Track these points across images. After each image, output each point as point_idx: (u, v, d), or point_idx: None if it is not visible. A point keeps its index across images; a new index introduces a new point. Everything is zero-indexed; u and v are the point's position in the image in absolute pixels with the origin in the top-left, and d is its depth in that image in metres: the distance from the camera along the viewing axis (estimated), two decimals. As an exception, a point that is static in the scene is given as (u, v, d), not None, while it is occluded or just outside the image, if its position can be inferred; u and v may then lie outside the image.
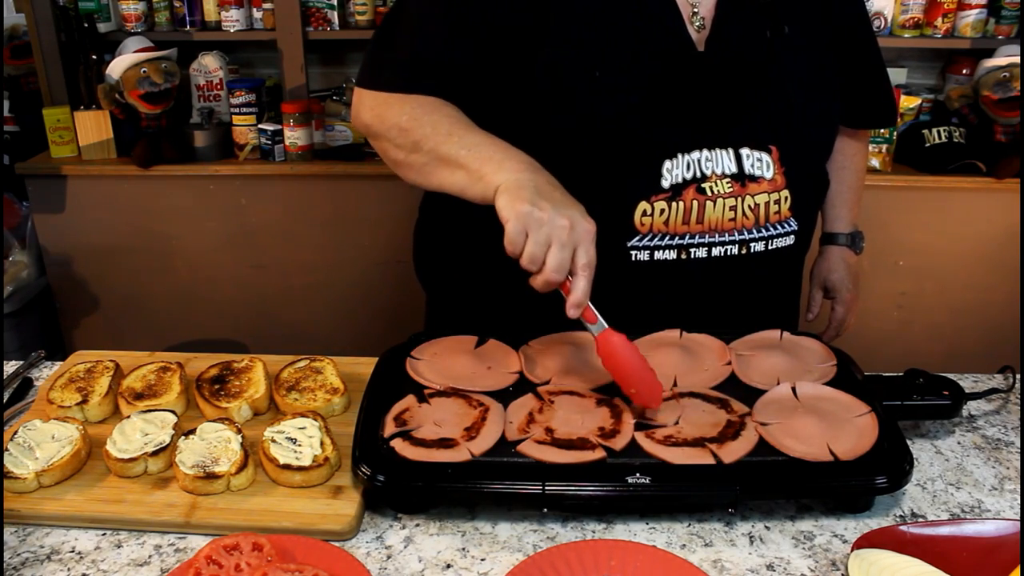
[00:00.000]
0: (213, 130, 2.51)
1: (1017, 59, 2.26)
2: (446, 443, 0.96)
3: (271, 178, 2.49)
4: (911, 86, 2.61)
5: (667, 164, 1.13)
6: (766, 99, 1.18)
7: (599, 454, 0.94)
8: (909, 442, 0.99)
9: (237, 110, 2.48)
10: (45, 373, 1.27)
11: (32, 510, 0.95)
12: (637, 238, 1.15)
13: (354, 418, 1.03)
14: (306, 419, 1.04)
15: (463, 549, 0.92)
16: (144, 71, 2.34)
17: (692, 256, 1.17)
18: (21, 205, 2.59)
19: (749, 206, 1.16)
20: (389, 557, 0.91)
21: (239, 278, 2.58)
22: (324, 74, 2.78)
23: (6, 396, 1.19)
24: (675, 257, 1.17)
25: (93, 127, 2.48)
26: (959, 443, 1.10)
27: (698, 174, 1.14)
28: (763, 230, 1.19)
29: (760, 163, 1.16)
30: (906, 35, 2.44)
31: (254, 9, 2.53)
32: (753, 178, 1.16)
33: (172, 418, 1.06)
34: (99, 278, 2.60)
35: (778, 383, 1.07)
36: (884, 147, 2.38)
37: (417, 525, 0.95)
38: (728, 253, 1.18)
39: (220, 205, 2.51)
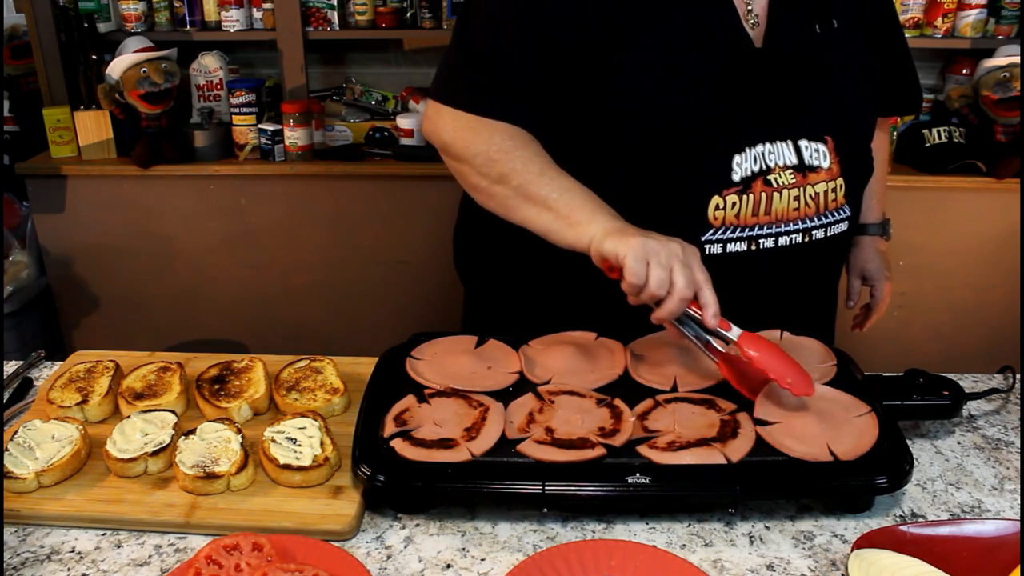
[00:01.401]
0: (213, 130, 2.51)
1: (1017, 59, 2.26)
2: (446, 443, 0.96)
3: (271, 178, 2.49)
4: (911, 86, 2.61)
5: (736, 158, 1.16)
6: (821, 91, 1.21)
7: (599, 451, 0.94)
8: (909, 442, 0.99)
9: (237, 110, 2.47)
10: (45, 373, 1.27)
11: (32, 510, 0.95)
12: (711, 232, 1.17)
13: (354, 418, 1.03)
14: (306, 419, 1.04)
15: (463, 549, 0.92)
16: (144, 71, 2.34)
17: (761, 247, 1.20)
18: (21, 205, 2.59)
19: (810, 195, 1.20)
20: (389, 557, 0.91)
21: (239, 278, 2.58)
22: (324, 74, 2.78)
23: (6, 396, 1.19)
24: (746, 249, 1.19)
25: (93, 127, 2.48)
26: (959, 443, 1.10)
27: (764, 166, 1.17)
28: (823, 218, 1.22)
29: (818, 153, 1.20)
30: (906, 35, 2.42)
31: (254, 9, 2.53)
32: (812, 168, 1.20)
33: (172, 418, 1.06)
34: (99, 278, 2.60)
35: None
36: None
37: (417, 525, 0.95)
38: (793, 242, 1.21)
39: (220, 205, 2.51)
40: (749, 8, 1.19)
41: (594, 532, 0.94)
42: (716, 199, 1.16)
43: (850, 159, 1.24)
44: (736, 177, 1.16)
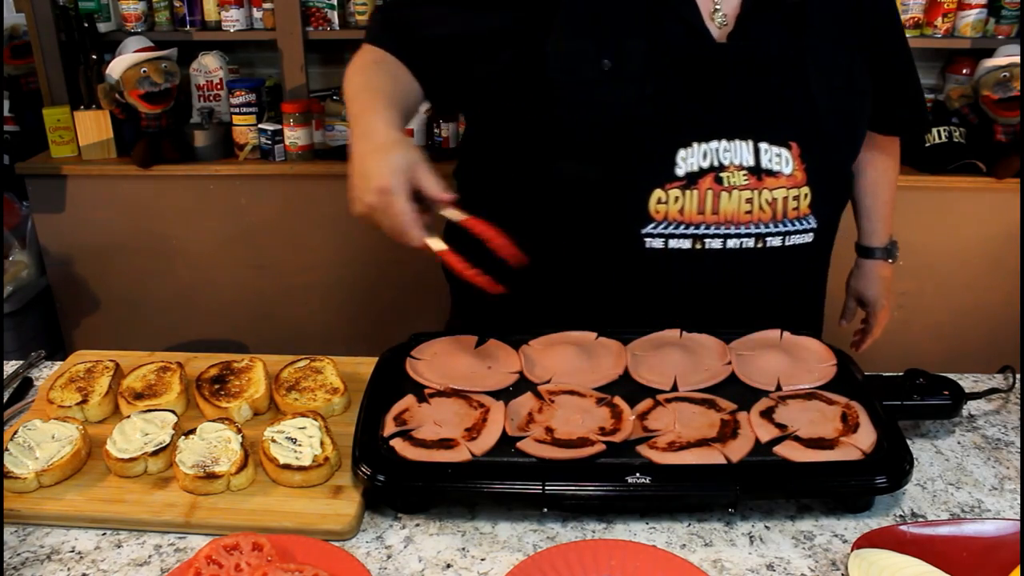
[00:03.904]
0: (213, 130, 2.51)
1: (1017, 59, 2.26)
2: (446, 443, 0.96)
3: (271, 178, 2.49)
4: (911, 86, 2.61)
5: (681, 152, 1.14)
6: (787, 94, 1.19)
7: (599, 447, 0.94)
8: (909, 442, 0.99)
9: (237, 110, 2.48)
10: (45, 373, 1.27)
11: (32, 510, 0.95)
12: (652, 225, 1.16)
13: (354, 418, 1.03)
14: (306, 419, 1.04)
15: (463, 549, 0.92)
16: (144, 71, 2.34)
17: (707, 247, 1.17)
18: (21, 205, 2.59)
19: (766, 200, 1.17)
20: (389, 557, 0.91)
21: (239, 278, 2.58)
22: (324, 74, 2.78)
23: (6, 396, 1.19)
24: (689, 246, 1.17)
25: (93, 127, 2.48)
26: (959, 443, 1.10)
27: (716, 163, 1.15)
28: (780, 225, 1.19)
29: (779, 158, 1.17)
30: (906, 35, 2.43)
31: (254, 9, 2.53)
32: (770, 172, 1.17)
33: (172, 418, 1.06)
34: (99, 278, 2.60)
35: (778, 383, 1.07)
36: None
37: (417, 525, 0.95)
38: (743, 246, 1.18)
39: (220, 205, 2.51)
40: (717, 7, 1.17)
41: (594, 532, 0.94)
42: (658, 192, 1.15)
43: (819, 169, 1.20)
44: (680, 172, 1.14)
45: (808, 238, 1.22)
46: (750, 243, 1.18)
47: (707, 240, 1.17)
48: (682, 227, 1.16)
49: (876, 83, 1.27)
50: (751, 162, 1.16)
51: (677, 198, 1.15)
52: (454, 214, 1.08)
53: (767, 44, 1.18)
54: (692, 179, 1.15)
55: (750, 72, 1.17)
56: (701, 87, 1.16)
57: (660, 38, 1.15)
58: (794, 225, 1.20)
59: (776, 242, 1.19)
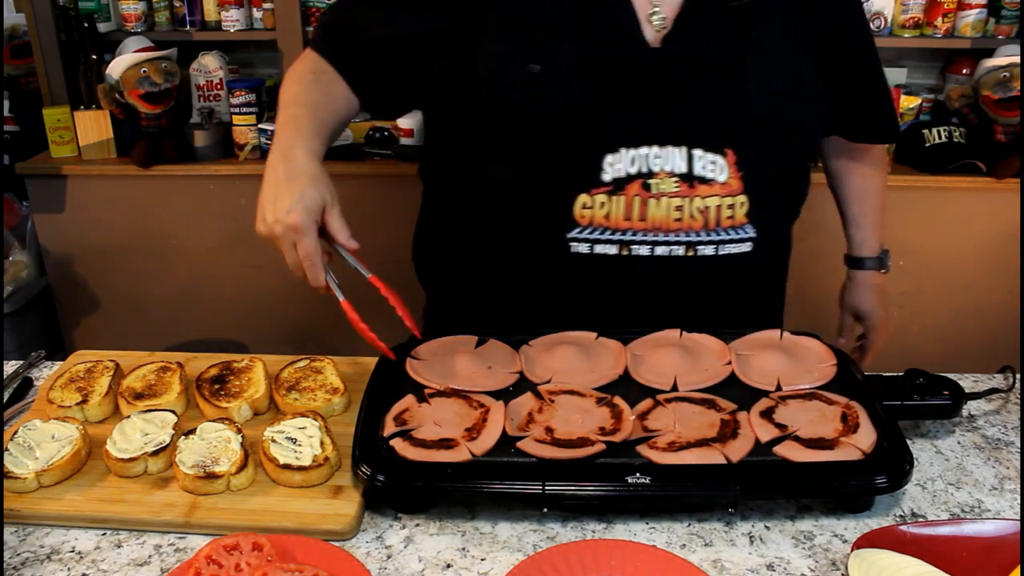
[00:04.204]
0: (213, 130, 2.51)
1: (1017, 59, 2.26)
2: (446, 443, 0.96)
3: (271, 178, 2.48)
4: (911, 86, 2.61)
5: (608, 158, 1.13)
6: (722, 102, 1.16)
7: (599, 447, 0.94)
8: (909, 442, 0.98)
9: (237, 110, 2.47)
10: (45, 373, 1.27)
11: (32, 510, 0.95)
12: (577, 230, 1.15)
13: (354, 418, 1.03)
14: (306, 419, 1.04)
15: (463, 549, 0.92)
16: (144, 71, 2.33)
17: (634, 253, 1.16)
18: (21, 205, 2.59)
19: (698, 208, 1.15)
20: (389, 557, 0.91)
21: (239, 278, 2.58)
22: (324, 74, 2.77)
23: (6, 396, 1.19)
24: (616, 252, 1.16)
25: (93, 127, 2.48)
26: (959, 443, 1.10)
27: (644, 169, 1.13)
28: (713, 234, 1.17)
29: (713, 165, 1.14)
30: (906, 35, 2.44)
31: (254, 9, 2.53)
32: (703, 180, 1.14)
33: (172, 418, 1.06)
34: (99, 278, 2.60)
35: (778, 383, 1.07)
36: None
37: (417, 525, 0.95)
38: (673, 253, 1.17)
39: (220, 205, 2.51)
40: (656, 9, 1.15)
41: (594, 532, 0.94)
42: (584, 197, 1.14)
43: (758, 177, 1.17)
44: (606, 177, 1.13)
45: (746, 247, 1.19)
46: (680, 251, 1.16)
47: (634, 246, 1.16)
48: (608, 232, 1.15)
49: (838, 87, 1.24)
50: (683, 169, 1.14)
51: (603, 203, 1.14)
52: (360, 268, 1.11)
53: (704, 47, 1.15)
54: (619, 185, 1.13)
55: (684, 77, 1.14)
56: (632, 92, 1.14)
57: (592, 41, 1.13)
58: (728, 234, 1.17)
59: (709, 251, 1.17)
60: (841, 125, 1.33)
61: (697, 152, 1.14)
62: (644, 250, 1.16)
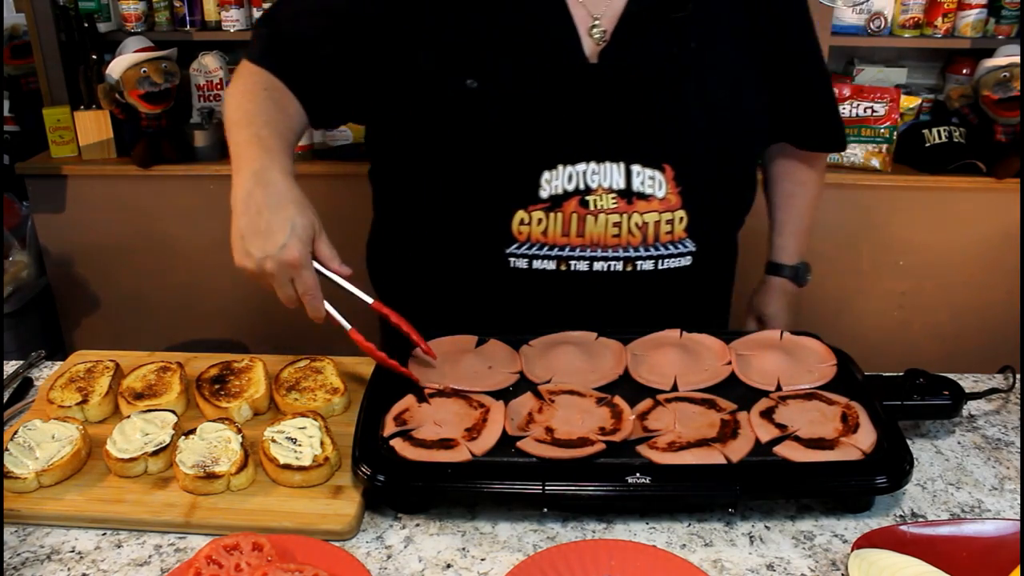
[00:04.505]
0: (213, 130, 2.51)
1: (1017, 59, 2.26)
2: (446, 443, 0.96)
3: (271, 178, 2.48)
4: (911, 86, 2.61)
5: (546, 175, 1.13)
6: (661, 116, 1.15)
7: (599, 447, 0.94)
8: (909, 442, 0.98)
9: (237, 110, 2.47)
10: (45, 373, 1.27)
11: (32, 510, 0.95)
12: (515, 246, 1.15)
13: (354, 418, 1.03)
14: (306, 419, 1.04)
15: (463, 549, 0.92)
16: (144, 71, 2.33)
17: (572, 268, 1.16)
18: (21, 205, 2.59)
19: (636, 224, 1.14)
20: (389, 557, 0.91)
21: (239, 278, 2.55)
22: (324, 74, 2.78)
23: (6, 396, 1.19)
24: (554, 268, 1.16)
25: (93, 127, 2.48)
26: (959, 443, 1.10)
27: (582, 186, 1.13)
28: (652, 249, 1.16)
29: (652, 181, 1.14)
30: (906, 35, 2.44)
31: (254, 9, 2.53)
32: (642, 196, 1.14)
33: (172, 418, 1.06)
34: (99, 278, 2.60)
35: (778, 383, 1.07)
36: (884, 147, 2.38)
37: (417, 525, 0.95)
38: (611, 269, 1.16)
39: (220, 205, 2.47)
40: (596, 22, 1.14)
41: (594, 532, 0.94)
42: (521, 214, 1.13)
43: (697, 191, 1.16)
44: (544, 194, 1.13)
45: (686, 262, 1.19)
46: (618, 266, 1.16)
47: (572, 262, 1.15)
48: (546, 248, 1.15)
49: (783, 97, 1.23)
50: (622, 185, 1.13)
51: (540, 220, 1.13)
52: (359, 293, 1.09)
53: (642, 62, 1.14)
54: (556, 202, 1.13)
55: (622, 91, 1.14)
56: (570, 107, 1.13)
57: (530, 56, 1.13)
58: (668, 249, 1.17)
59: (648, 266, 1.17)
60: (788, 133, 1.32)
61: (635, 168, 1.13)
62: (583, 266, 1.16)
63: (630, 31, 1.14)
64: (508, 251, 1.15)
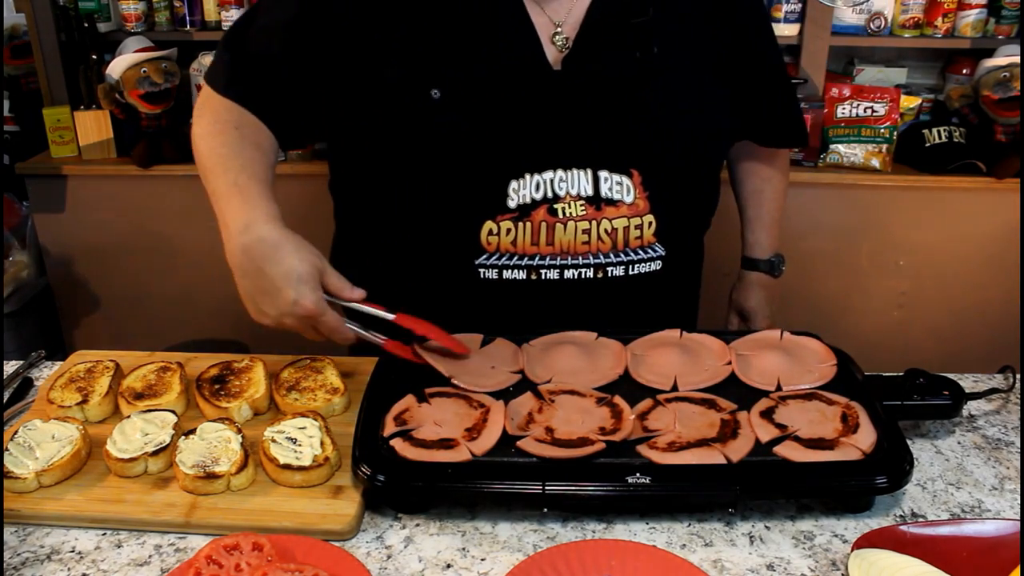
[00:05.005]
0: (213, 130, 2.50)
1: (1017, 59, 2.26)
2: (446, 443, 0.96)
3: (271, 178, 2.48)
4: (911, 86, 2.61)
5: (513, 184, 1.12)
6: (627, 121, 1.15)
7: (599, 446, 0.94)
8: (909, 442, 0.99)
9: (237, 110, 2.47)
10: (45, 373, 1.27)
11: (32, 510, 0.95)
12: (484, 256, 1.15)
13: (354, 418, 1.03)
14: (306, 419, 1.04)
15: (463, 549, 0.92)
16: (144, 71, 2.34)
17: (544, 277, 1.16)
18: (21, 205, 2.59)
19: (605, 230, 1.14)
20: (389, 557, 0.91)
21: (239, 278, 2.58)
22: (324, 74, 2.77)
23: (6, 396, 1.19)
24: (525, 277, 1.16)
25: (93, 127, 2.48)
26: (959, 443, 1.10)
27: (549, 194, 1.13)
28: (622, 255, 1.16)
29: (620, 186, 1.14)
30: (906, 35, 2.44)
31: (254, 9, 2.53)
32: (610, 201, 1.14)
33: (172, 418, 1.06)
34: (99, 278, 2.60)
35: (778, 383, 1.07)
36: (884, 147, 2.38)
37: (417, 525, 0.95)
38: (583, 276, 1.16)
39: (220, 205, 2.50)
40: (558, 30, 1.14)
41: (594, 532, 0.94)
42: (489, 224, 1.13)
43: (664, 196, 1.17)
44: (512, 204, 1.12)
45: (656, 266, 1.19)
46: (589, 273, 1.16)
47: (543, 271, 1.15)
48: (516, 258, 1.15)
49: (744, 96, 1.24)
50: (590, 191, 1.13)
51: (509, 230, 1.13)
52: (377, 312, 1.09)
53: (606, 67, 1.14)
54: (525, 211, 1.13)
55: (587, 98, 1.14)
56: (535, 115, 1.13)
57: (494, 65, 1.12)
58: (637, 254, 1.17)
59: (619, 272, 1.17)
60: (750, 131, 1.33)
61: (603, 174, 1.14)
62: (553, 274, 1.16)
63: (592, 37, 1.14)
64: (478, 262, 1.15)
